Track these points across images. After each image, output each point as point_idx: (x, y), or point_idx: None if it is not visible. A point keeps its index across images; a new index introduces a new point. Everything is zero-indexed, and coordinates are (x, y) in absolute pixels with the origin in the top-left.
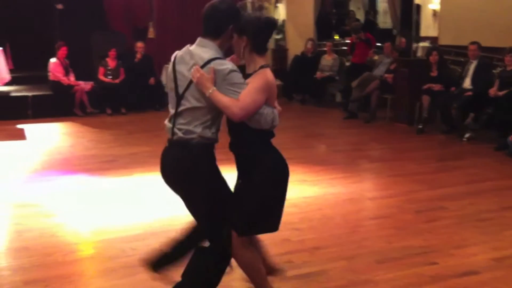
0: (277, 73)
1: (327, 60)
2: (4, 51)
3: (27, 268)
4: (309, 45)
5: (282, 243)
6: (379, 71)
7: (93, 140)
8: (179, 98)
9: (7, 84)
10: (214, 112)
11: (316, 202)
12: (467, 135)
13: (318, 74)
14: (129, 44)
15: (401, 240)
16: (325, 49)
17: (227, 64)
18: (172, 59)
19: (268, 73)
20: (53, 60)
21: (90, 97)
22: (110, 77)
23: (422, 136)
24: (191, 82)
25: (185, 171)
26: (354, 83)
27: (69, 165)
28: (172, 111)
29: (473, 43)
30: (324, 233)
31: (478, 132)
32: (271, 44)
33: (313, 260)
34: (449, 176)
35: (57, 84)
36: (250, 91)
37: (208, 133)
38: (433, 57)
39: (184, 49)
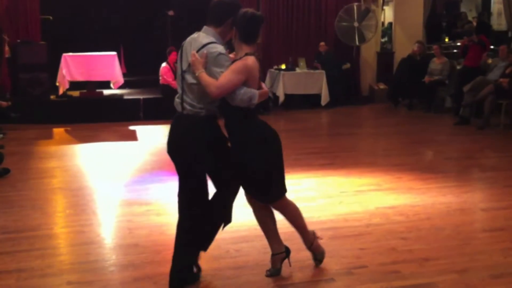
0: (382, 77)
1: (436, 63)
2: (118, 55)
3: (137, 265)
4: (416, 47)
5: (388, 252)
6: (493, 75)
7: None
8: (183, 77)
9: (120, 87)
10: None
11: (425, 211)
12: None
13: (427, 78)
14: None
15: None
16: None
17: (218, 48)
18: (184, 43)
19: (250, 59)
20: (163, 64)
21: None
22: None
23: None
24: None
25: (191, 140)
26: (466, 87)
27: None
28: (179, 87)
29: None
30: (433, 243)
31: None
32: (376, 47)
33: (421, 271)
34: None
35: (167, 88)
36: (227, 72)
37: (213, 107)
38: None
39: (192, 35)
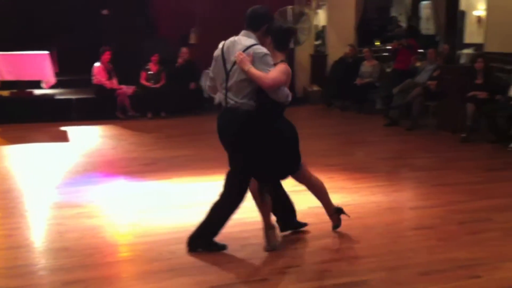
0: (315, 79)
1: (367, 66)
2: (51, 54)
3: (67, 269)
4: (348, 50)
5: (320, 251)
6: (421, 77)
7: (134, 143)
8: (227, 75)
9: (52, 87)
10: (253, 85)
11: (356, 210)
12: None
13: (358, 81)
14: (173, 50)
15: (444, 252)
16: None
17: (263, 49)
18: (220, 46)
19: (287, 65)
20: (97, 64)
21: (132, 101)
22: (152, 81)
23: (467, 145)
24: (235, 62)
25: (234, 130)
26: (395, 90)
27: (110, 167)
28: (222, 85)
29: None
30: (364, 242)
31: None
32: (310, 50)
33: (352, 269)
34: (495, 186)
35: (100, 88)
36: (276, 70)
37: (251, 101)
38: (479, 64)
39: (230, 39)
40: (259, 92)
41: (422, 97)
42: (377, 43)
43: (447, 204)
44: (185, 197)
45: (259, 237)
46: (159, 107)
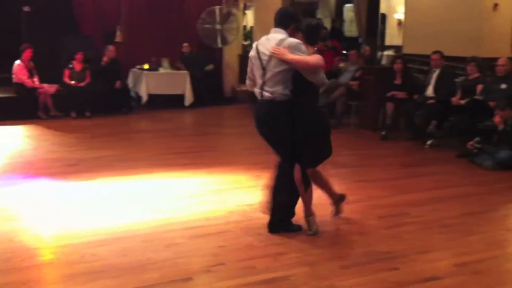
0: (244, 79)
1: None
2: None
3: None
4: None
5: (246, 249)
6: (344, 78)
7: (57, 143)
8: (264, 69)
9: None
10: (288, 76)
11: None
12: (429, 142)
13: None
14: (98, 48)
15: (364, 246)
16: None
17: (296, 40)
18: (255, 46)
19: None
20: (17, 62)
21: (55, 100)
22: (76, 80)
23: (387, 142)
24: (271, 57)
25: (273, 120)
26: (321, 90)
27: (31, 168)
28: (259, 80)
29: (435, 52)
30: (288, 238)
31: (441, 139)
32: (238, 50)
33: (275, 265)
34: (413, 182)
35: (20, 87)
36: (315, 55)
37: (286, 91)
38: (397, 65)
39: (262, 38)
40: (296, 81)
41: (345, 97)
42: None
43: (367, 199)
44: (108, 198)
45: (184, 237)
46: (83, 106)
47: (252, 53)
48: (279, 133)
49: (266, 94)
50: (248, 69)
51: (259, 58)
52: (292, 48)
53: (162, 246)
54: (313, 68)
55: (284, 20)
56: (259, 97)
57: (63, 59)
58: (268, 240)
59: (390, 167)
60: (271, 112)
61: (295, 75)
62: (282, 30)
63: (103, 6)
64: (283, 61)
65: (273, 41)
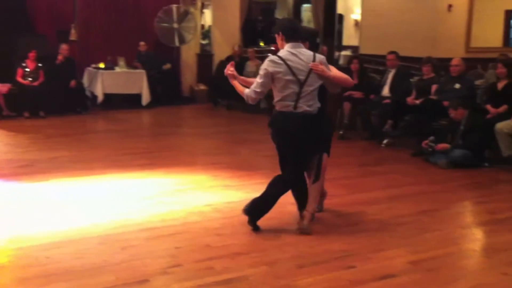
0: (202, 78)
1: (251, 66)
2: None
3: None
4: (237, 48)
5: (202, 249)
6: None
7: (9, 144)
8: (302, 84)
9: None
10: (317, 90)
11: (239, 207)
12: (385, 141)
13: None
14: (52, 46)
15: (322, 244)
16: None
17: (322, 55)
18: (279, 61)
19: None
20: None
21: (7, 99)
22: (29, 79)
23: (344, 142)
24: (309, 72)
25: (310, 131)
26: None
27: None
28: (293, 96)
29: (391, 52)
30: (246, 238)
31: (396, 138)
32: (196, 49)
33: (234, 266)
34: (369, 181)
35: None
36: (341, 72)
37: (318, 103)
38: (354, 65)
39: (285, 52)
40: (321, 94)
41: None
42: (262, 44)
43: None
44: (62, 200)
45: (141, 239)
46: (37, 106)
47: (280, 69)
48: (312, 143)
49: (304, 107)
50: (263, 82)
51: (293, 74)
52: (324, 64)
53: (118, 248)
54: (346, 84)
55: (301, 35)
56: (290, 109)
57: (17, 58)
58: (226, 240)
59: (347, 166)
60: (309, 124)
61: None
62: (303, 45)
63: (57, 4)
64: (322, 77)
65: (304, 57)
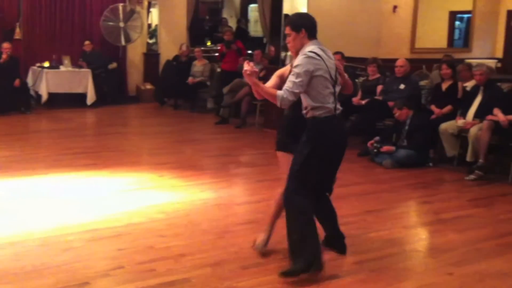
0: (148, 77)
1: (198, 65)
2: None
3: None
4: (184, 48)
5: (145, 251)
6: None
7: None
8: (334, 83)
9: None
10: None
11: (184, 208)
12: None
13: (190, 80)
14: None
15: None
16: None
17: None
18: (318, 57)
19: None
20: None
21: None
22: None
23: None
24: (336, 71)
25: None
26: (225, 89)
27: None
28: (331, 96)
29: (336, 53)
30: (190, 239)
31: None
32: (143, 48)
33: (177, 267)
34: None
35: None
36: None
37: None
38: None
39: (315, 49)
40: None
41: (250, 97)
42: (209, 43)
43: (270, 198)
44: (3, 200)
45: (82, 240)
46: None
47: (320, 66)
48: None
49: (339, 110)
50: (303, 82)
51: (329, 72)
52: None
53: (59, 250)
54: (351, 89)
55: (316, 32)
56: (331, 112)
57: None
58: (170, 242)
59: None
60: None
61: None
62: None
63: (1, 2)
64: (341, 76)
65: (331, 55)
